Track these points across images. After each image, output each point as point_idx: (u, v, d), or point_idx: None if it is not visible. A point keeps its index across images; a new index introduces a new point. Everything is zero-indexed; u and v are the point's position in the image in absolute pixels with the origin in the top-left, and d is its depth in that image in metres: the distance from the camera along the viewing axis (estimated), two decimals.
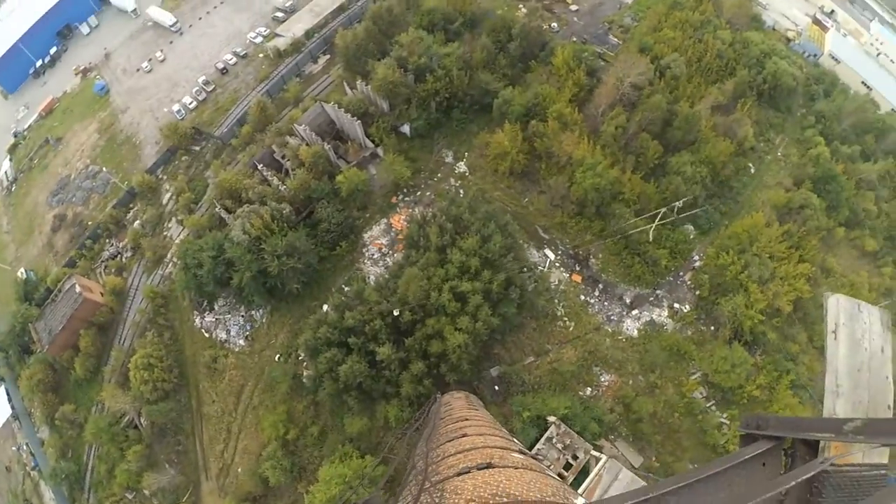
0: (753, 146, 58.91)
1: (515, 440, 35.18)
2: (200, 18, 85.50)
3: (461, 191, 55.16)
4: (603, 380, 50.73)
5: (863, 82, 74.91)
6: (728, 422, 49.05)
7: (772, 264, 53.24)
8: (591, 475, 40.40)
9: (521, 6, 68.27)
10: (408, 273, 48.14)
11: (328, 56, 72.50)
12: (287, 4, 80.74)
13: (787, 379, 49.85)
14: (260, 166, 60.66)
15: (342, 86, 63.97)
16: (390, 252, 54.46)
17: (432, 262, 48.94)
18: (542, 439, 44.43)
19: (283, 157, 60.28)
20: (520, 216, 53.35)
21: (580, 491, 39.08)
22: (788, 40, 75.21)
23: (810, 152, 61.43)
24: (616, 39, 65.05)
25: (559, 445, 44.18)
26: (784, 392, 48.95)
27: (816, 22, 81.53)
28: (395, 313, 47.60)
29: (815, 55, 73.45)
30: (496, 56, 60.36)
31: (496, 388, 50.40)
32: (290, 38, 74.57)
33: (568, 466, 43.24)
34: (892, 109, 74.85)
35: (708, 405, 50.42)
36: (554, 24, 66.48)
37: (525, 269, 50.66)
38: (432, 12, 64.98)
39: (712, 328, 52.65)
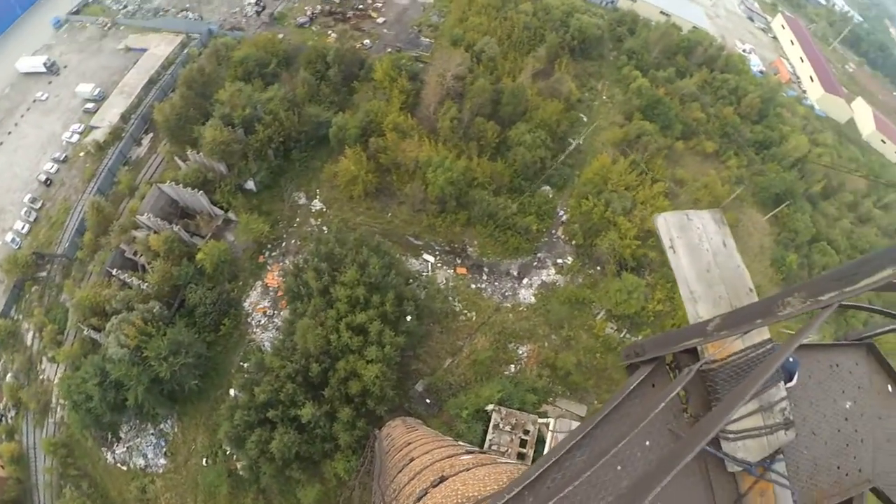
0: (580, 98, 63.06)
1: (461, 443, 35.32)
2: (10, 133, 78.28)
3: (324, 228, 54.40)
4: (521, 352, 52.04)
5: (661, 12, 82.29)
6: None
7: (629, 194, 56.83)
8: (548, 442, 41.73)
9: (329, 32, 68.60)
10: (300, 326, 46.82)
11: (151, 134, 69.04)
12: (95, 93, 75.94)
13: None
14: (114, 271, 56.62)
15: (174, 161, 61.06)
16: (276, 312, 52.76)
17: (320, 306, 47.89)
18: (490, 429, 45.11)
19: (135, 254, 56.69)
20: (388, 232, 53.55)
21: None
22: None
23: (631, 87, 66.39)
24: (428, 39, 67.02)
25: (507, 428, 45.06)
26: None
27: None
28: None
29: (612, 1, 79.72)
30: (318, 87, 60.22)
31: (427, 401, 50.16)
32: (107, 126, 70.32)
33: (524, 443, 44.16)
34: (694, 27, 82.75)
35: (622, 336, 53.05)
36: (366, 41, 67.32)
37: (411, 280, 50.88)
38: (245, 61, 63.67)
39: (598, 268, 55.50)
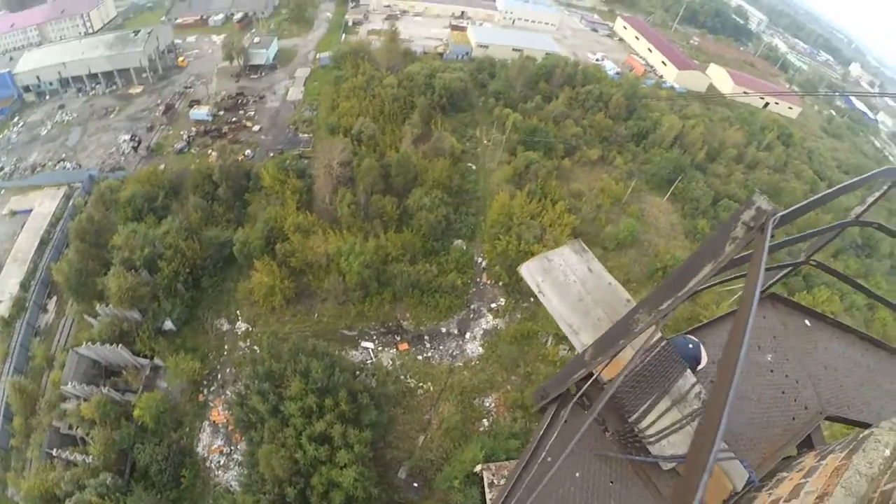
0: (463, 149, 66.73)
1: None
2: None
3: (255, 347, 53.55)
4: (488, 404, 52.45)
5: (514, 49, 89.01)
6: None
7: (536, 222, 59.53)
8: None
9: (209, 151, 69.02)
10: (261, 454, 45.34)
11: (55, 297, 66.32)
12: None
13: None
14: (54, 452, 53.26)
15: (84, 320, 59.02)
16: (232, 448, 51.06)
17: (275, 428, 46.79)
18: (486, 489, 44.59)
19: (70, 428, 53.65)
20: (321, 332, 53.42)
21: None
22: (441, 55, 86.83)
23: (507, 124, 70.63)
24: (306, 135, 69.04)
25: (502, 482, 44.58)
26: None
27: (454, 28, 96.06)
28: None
29: (467, 53, 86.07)
30: (211, 208, 60.28)
31: (415, 485, 49.09)
32: (8, 299, 66.76)
33: None
34: (546, 53, 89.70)
35: (575, 354, 54.81)
36: (248, 151, 68.23)
37: (358, 372, 50.95)
38: (132, 200, 62.87)
39: (532, 299, 57.31)
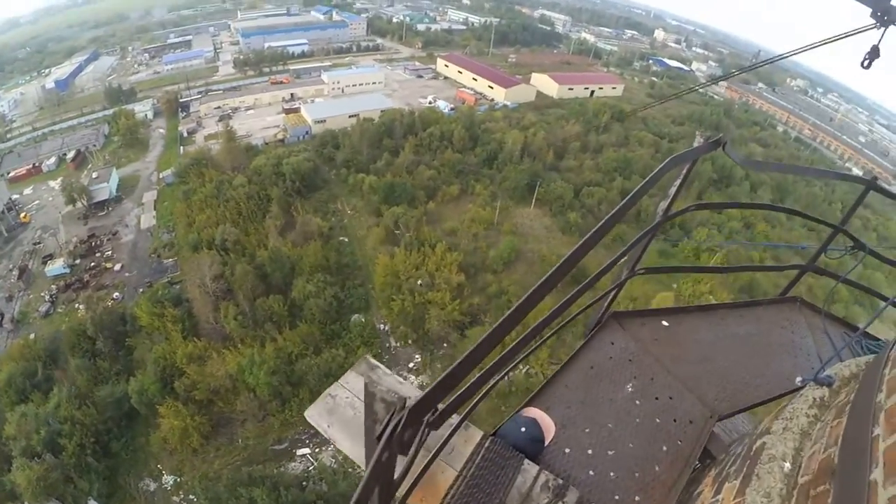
0: (331, 226, 67.89)
1: None
2: None
3: (191, 496, 49.84)
4: None
5: (349, 116, 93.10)
6: None
7: (423, 271, 61.68)
8: None
9: (76, 305, 64.61)
10: None
11: None
12: None
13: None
14: None
15: None
16: None
17: None
18: None
19: None
20: (252, 457, 50.71)
21: None
22: (282, 141, 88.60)
23: (364, 189, 73.70)
24: (170, 259, 66.76)
25: None
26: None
27: (288, 111, 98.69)
28: None
29: (307, 132, 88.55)
30: (95, 365, 56.31)
31: None
32: None
33: None
34: (381, 111, 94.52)
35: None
36: (116, 294, 64.68)
37: (305, 483, 49.16)
38: (11, 381, 56.18)
39: (446, 344, 58.69)
